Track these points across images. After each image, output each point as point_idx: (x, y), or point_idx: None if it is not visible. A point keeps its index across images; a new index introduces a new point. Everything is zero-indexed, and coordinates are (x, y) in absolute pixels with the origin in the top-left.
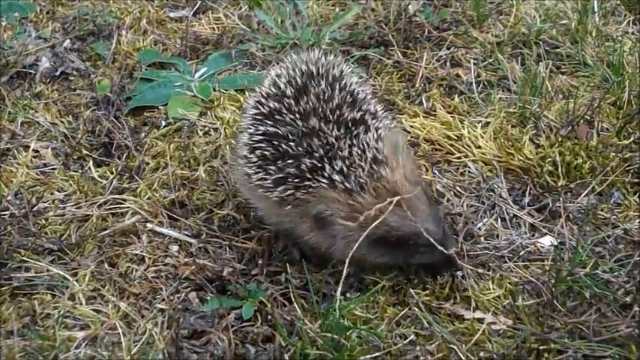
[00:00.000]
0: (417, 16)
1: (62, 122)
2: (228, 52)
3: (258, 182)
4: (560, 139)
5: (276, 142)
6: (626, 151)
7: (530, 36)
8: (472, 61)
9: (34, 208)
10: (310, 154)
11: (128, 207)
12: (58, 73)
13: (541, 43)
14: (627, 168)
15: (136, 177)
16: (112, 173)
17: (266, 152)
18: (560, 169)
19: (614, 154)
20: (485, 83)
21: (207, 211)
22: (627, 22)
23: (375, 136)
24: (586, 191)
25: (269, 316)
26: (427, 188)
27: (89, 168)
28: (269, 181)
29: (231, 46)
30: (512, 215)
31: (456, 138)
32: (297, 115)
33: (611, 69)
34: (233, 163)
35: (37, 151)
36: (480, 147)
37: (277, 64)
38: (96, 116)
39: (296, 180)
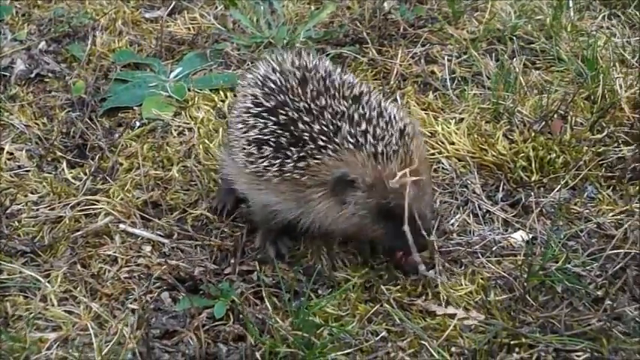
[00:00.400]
0: (392, 13)
1: (37, 124)
2: (204, 52)
3: (277, 169)
4: (533, 134)
5: (292, 128)
6: (600, 145)
7: (505, 32)
8: (447, 57)
9: (7, 211)
10: (324, 121)
11: (101, 208)
12: (33, 75)
13: (516, 38)
14: (601, 162)
15: (109, 178)
16: (86, 174)
17: (282, 139)
18: (533, 164)
19: (587, 148)
20: (460, 79)
21: (181, 211)
22: (602, 17)
23: (399, 110)
24: (559, 186)
25: (241, 315)
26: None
27: (62, 169)
28: (289, 164)
29: (207, 45)
30: (485, 211)
31: (429, 134)
32: (306, 99)
33: (586, 64)
34: (229, 164)
35: (11, 154)
36: (453, 143)
37: (252, 63)
38: (70, 118)
39: (311, 147)
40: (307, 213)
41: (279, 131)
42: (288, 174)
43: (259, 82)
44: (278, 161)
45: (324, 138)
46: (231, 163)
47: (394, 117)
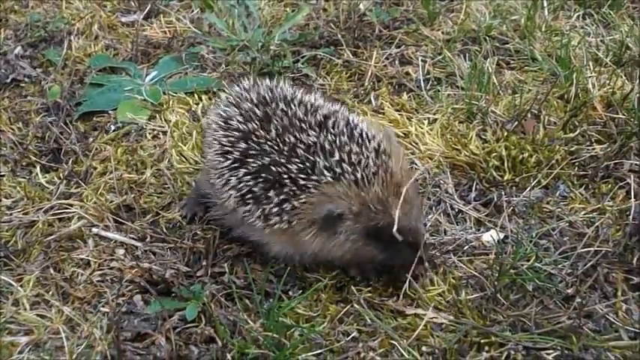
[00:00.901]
0: (368, 15)
1: (12, 129)
2: (179, 56)
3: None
4: (506, 133)
5: (264, 175)
6: (572, 144)
7: (480, 32)
8: (421, 58)
9: None
10: (297, 159)
11: (74, 212)
12: (9, 80)
13: (491, 39)
14: (573, 161)
15: (83, 182)
16: (60, 179)
17: (255, 189)
18: (506, 164)
19: (560, 147)
20: (434, 80)
21: (154, 214)
22: (577, 17)
23: (370, 126)
24: (531, 185)
25: (212, 317)
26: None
27: (37, 174)
28: (274, 210)
29: (182, 49)
30: (457, 210)
31: (403, 135)
32: (273, 138)
33: (559, 63)
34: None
35: None
36: (426, 144)
37: (227, 65)
38: (46, 122)
39: (292, 188)
40: (304, 253)
41: (252, 180)
42: (276, 224)
43: (223, 125)
44: (259, 211)
45: (302, 176)
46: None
47: (366, 136)
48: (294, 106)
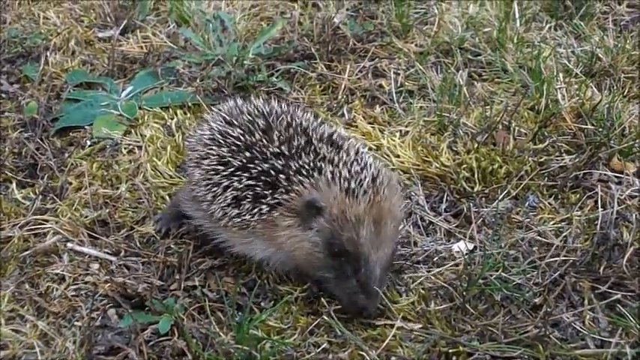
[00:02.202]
0: (342, 28)
1: None
2: (155, 71)
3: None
4: (476, 145)
5: (264, 178)
6: (542, 155)
7: (453, 44)
8: (394, 71)
9: None
10: (301, 162)
11: (49, 227)
12: None
13: (463, 51)
14: (542, 171)
15: (58, 198)
16: (35, 194)
17: (258, 189)
18: (476, 175)
19: (529, 158)
20: (407, 93)
21: (128, 229)
22: (548, 28)
23: (375, 160)
24: (501, 196)
25: (184, 331)
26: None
27: (12, 190)
28: (265, 207)
29: (158, 64)
30: (428, 222)
31: (375, 148)
32: (275, 145)
33: (530, 74)
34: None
35: None
36: (398, 156)
37: (202, 80)
38: (22, 138)
39: (285, 185)
40: (276, 247)
41: (253, 183)
42: (265, 216)
43: (220, 140)
44: (256, 209)
45: (304, 172)
46: (210, 221)
47: (369, 164)
48: (297, 119)
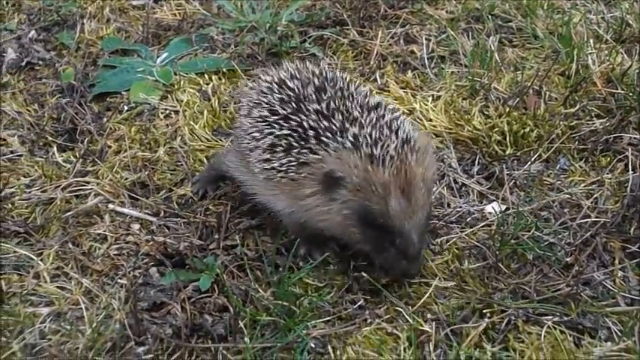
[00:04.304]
0: None
1: (28, 111)
2: (189, 37)
3: (284, 169)
4: (508, 109)
5: (300, 130)
6: (573, 119)
7: (483, 11)
8: (425, 37)
9: (1, 194)
10: (333, 121)
11: (91, 189)
12: (24, 64)
13: (494, 17)
14: (573, 135)
15: (99, 160)
16: (76, 157)
17: (291, 139)
18: (508, 139)
19: (560, 122)
20: (438, 58)
21: (167, 190)
22: None
23: (407, 123)
24: (533, 158)
25: (224, 287)
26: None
27: (53, 153)
28: (292, 162)
29: (192, 31)
30: (461, 184)
31: (408, 112)
32: (321, 103)
33: (560, 40)
34: (242, 172)
35: (4, 140)
36: (431, 120)
37: (236, 46)
38: (60, 104)
39: (314, 142)
40: (300, 208)
41: (288, 132)
42: (292, 173)
43: (275, 89)
44: (285, 160)
45: (329, 135)
46: (245, 170)
47: (403, 129)
48: (350, 86)
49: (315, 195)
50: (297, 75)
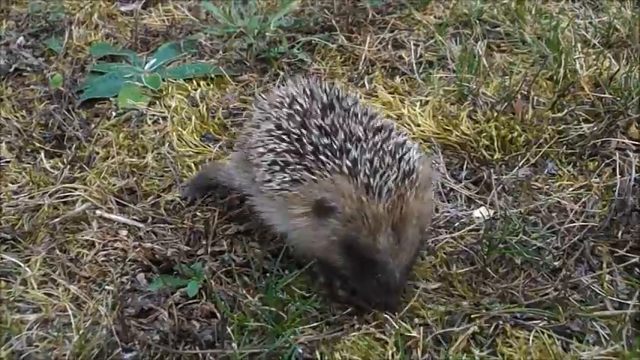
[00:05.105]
0: (361, 0)
1: (16, 117)
2: (177, 43)
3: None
4: (496, 114)
5: (298, 146)
6: (561, 124)
7: (471, 16)
8: (414, 42)
9: None
10: (334, 140)
11: (78, 195)
12: (12, 70)
13: (482, 22)
14: (561, 139)
15: (86, 167)
16: (64, 164)
17: (289, 156)
18: (496, 143)
19: (548, 126)
20: (426, 64)
21: (155, 197)
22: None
23: (413, 153)
24: (520, 163)
25: (212, 293)
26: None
27: (41, 160)
28: (286, 178)
29: (180, 37)
30: (449, 189)
31: (396, 117)
32: (326, 121)
33: (548, 45)
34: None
35: None
36: (419, 125)
37: (224, 51)
38: (49, 110)
39: (311, 159)
40: (290, 227)
41: (286, 147)
42: (285, 191)
43: (286, 104)
44: (281, 176)
45: (328, 153)
46: (251, 183)
47: (406, 159)
48: (357, 108)
49: (305, 216)
50: (307, 91)
